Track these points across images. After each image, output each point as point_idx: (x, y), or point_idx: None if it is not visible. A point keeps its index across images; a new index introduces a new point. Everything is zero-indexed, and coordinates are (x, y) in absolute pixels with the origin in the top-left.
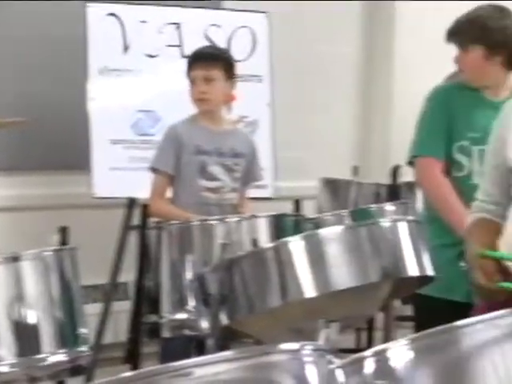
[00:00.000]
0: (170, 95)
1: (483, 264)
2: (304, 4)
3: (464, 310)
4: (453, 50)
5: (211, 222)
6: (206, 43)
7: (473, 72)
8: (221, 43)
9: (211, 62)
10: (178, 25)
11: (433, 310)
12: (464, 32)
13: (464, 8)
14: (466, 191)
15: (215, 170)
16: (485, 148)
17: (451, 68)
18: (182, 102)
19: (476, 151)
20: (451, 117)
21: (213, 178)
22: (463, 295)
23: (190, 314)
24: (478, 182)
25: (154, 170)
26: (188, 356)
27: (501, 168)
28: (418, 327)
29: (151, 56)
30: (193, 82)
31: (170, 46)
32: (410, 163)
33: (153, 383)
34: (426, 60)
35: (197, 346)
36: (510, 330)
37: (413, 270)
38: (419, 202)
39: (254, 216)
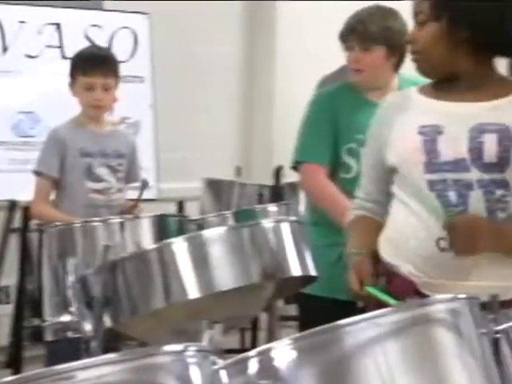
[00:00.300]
0: (51, 96)
1: (358, 265)
2: (185, 4)
3: (348, 308)
4: (333, 49)
5: (93, 223)
6: (87, 44)
7: (373, 72)
8: (102, 44)
9: (109, 69)
10: (57, 25)
11: (317, 308)
12: (366, 32)
13: (345, 8)
14: (354, 192)
15: (101, 171)
16: None
17: (331, 68)
18: (62, 103)
19: (363, 153)
20: (336, 120)
21: (99, 180)
22: (346, 294)
23: (72, 316)
24: None
25: (37, 173)
26: (77, 359)
27: (379, 167)
28: (302, 326)
29: (31, 57)
30: (89, 88)
31: (49, 46)
32: (294, 168)
33: None
34: (307, 60)
35: (86, 348)
36: (391, 328)
37: (295, 270)
38: (302, 203)
39: (137, 217)
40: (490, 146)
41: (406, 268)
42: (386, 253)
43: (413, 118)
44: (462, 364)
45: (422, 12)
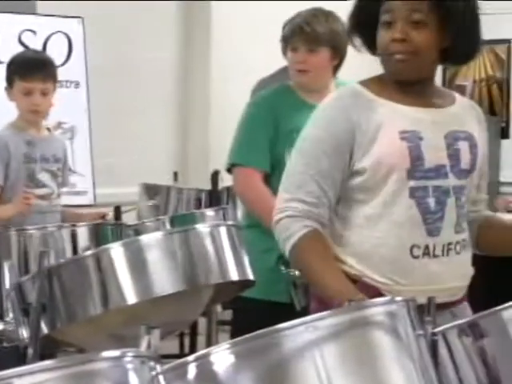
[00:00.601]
0: None
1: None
2: (120, 7)
3: (285, 311)
4: (269, 52)
5: (29, 230)
6: (21, 48)
7: (318, 73)
8: (36, 48)
9: (48, 74)
10: None
11: (253, 311)
12: (313, 33)
13: (281, 11)
14: None
15: (43, 176)
16: None
17: (267, 71)
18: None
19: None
20: (276, 122)
21: (42, 185)
22: (284, 296)
23: (8, 324)
24: None
25: None
26: (14, 366)
27: (344, 170)
28: (238, 330)
29: None
30: (28, 93)
31: None
32: (229, 170)
33: None
34: (243, 63)
35: (22, 355)
36: (329, 332)
37: (233, 275)
38: (239, 208)
39: (74, 224)
40: (465, 154)
41: (371, 276)
42: (348, 263)
43: (390, 121)
44: (400, 366)
45: (419, 11)
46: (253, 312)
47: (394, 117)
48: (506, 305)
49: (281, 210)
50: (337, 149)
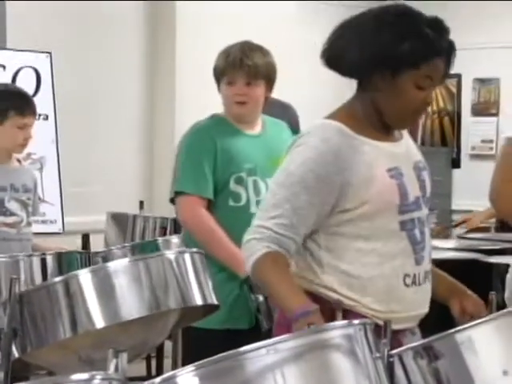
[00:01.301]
0: None
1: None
2: (85, 41)
3: (246, 335)
4: None
5: (0, 258)
6: None
7: (255, 105)
8: (6, 82)
9: (36, 109)
10: None
11: (212, 340)
12: (254, 66)
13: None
14: (244, 219)
15: (12, 205)
16: (257, 179)
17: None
18: None
19: (251, 182)
20: (216, 151)
21: (10, 214)
22: (247, 323)
23: None
24: (254, 212)
25: None
26: None
27: (324, 209)
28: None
29: None
30: (22, 127)
31: None
32: (172, 200)
33: None
34: (207, 94)
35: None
36: (290, 354)
37: (198, 300)
38: None
39: (44, 253)
40: (428, 183)
41: (366, 305)
42: (339, 292)
43: (378, 160)
44: None
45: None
46: (211, 342)
47: (378, 155)
48: (459, 328)
49: (250, 232)
50: (319, 189)
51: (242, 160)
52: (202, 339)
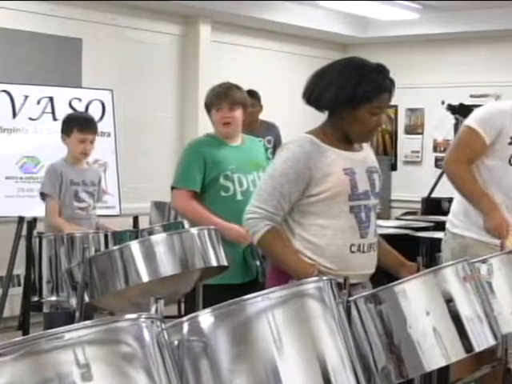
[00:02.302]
0: (46, 145)
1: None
2: (138, 81)
3: (248, 288)
4: None
5: (76, 234)
6: (71, 111)
7: (236, 125)
8: (81, 110)
9: (96, 129)
10: (51, 98)
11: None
12: (235, 97)
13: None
14: (233, 205)
15: (83, 195)
16: (240, 175)
17: None
18: (53, 149)
19: (236, 177)
20: (206, 159)
21: (82, 201)
22: (241, 278)
23: (61, 296)
24: (240, 199)
25: (44, 195)
26: (66, 324)
27: (298, 195)
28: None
29: (32, 119)
30: (83, 141)
31: (45, 112)
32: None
33: (36, 344)
34: None
35: (71, 317)
36: (278, 301)
37: (214, 262)
38: None
39: (106, 231)
40: (377, 182)
41: (323, 264)
42: (304, 254)
43: (336, 162)
44: (326, 323)
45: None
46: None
47: (338, 159)
48: (396, 282)
49: (249, 212)
50: (297, 180)
51: (227, 163)
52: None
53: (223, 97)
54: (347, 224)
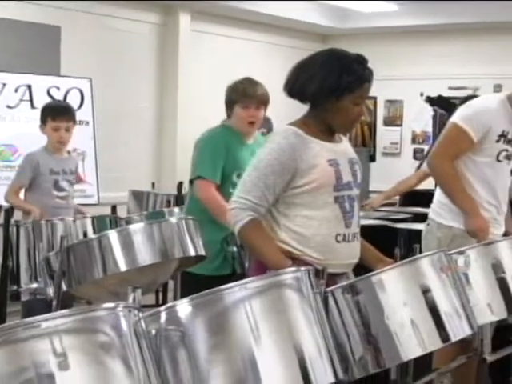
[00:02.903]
0: (24, 134)
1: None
2: (116, 70)
3: (226, 279)
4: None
5: (54, 220)
6: (49, 99)
7: (259, 124)
8: (60, 99)
9: (71, 116)
10: (29, 86)
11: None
12: (263, 96)
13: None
14: None
15: (64, 184)
16: None
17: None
18: (31, 138)
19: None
20: (227, 153)
21: (62, 190)
22: (228, 270)
23: (40, 283)
24: None
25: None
26: (43, 313)
27: (283, 186)
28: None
29: (10, 107)
30: (56, 129)
31: (22, 100)
32: (191, 181)
33: (13, 333)
34: (205, 104)
35: (49, 305)
36: (255, 291)
37: (192, 251)
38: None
39: (84, 217)
40: (359, 173)
41: (309, 254)
42: (290, 245)
43: (321, 154)
44: (303, 313)
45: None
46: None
47: (322, 150)
48: (374, 272)
49: (233, 202)
50: (282, 171)
51: (244, 163)
52: (193, 281)
53: (252, 96)
54: (332, 214)
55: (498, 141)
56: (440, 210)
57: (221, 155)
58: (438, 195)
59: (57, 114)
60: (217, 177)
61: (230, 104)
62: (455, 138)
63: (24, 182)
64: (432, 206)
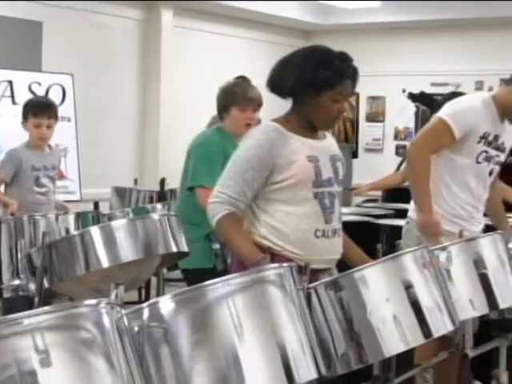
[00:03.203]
0: (5, 129)
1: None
2: (98, 66)
3: (212, 273)
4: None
5: (36, 217)
6: (31, 95)
7: (254, 125)
8: (42, 95)
9: (53, 113)
10: (10, 82)
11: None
12: (260, 98)
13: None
14: None
15: (44, 180)
16: None
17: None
18: (12, 134)
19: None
20: (224, 158)
21: (43, 186)
22: (211, 263)
23: (22, 280)
24: None
25: None
26: (25, 310)
27: (262, 182)
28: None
29: None
30: (37, 126)
31: (4, 96)
32: (190, 188)
33: None
34: (189, 106)
35: (31, 302)
36: (239, 287)
37: (174, 248)
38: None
39: (67, 213)
40: (341, 170)
41: (289, 250)
42: (270, 240)
43: (301, 150)
44: (286, 309)
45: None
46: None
47: (302, 146)
48: (356, 268)
49: (213, 196)
50: (260, 167)
51: None
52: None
53: (251, 99)
54: (312, 210)
55: (478, 142)
56: None
57: (219, 161)
58: None
59: (38, 110)
60: (216, 183)
61: (225, 106)
62: (438, 132)
63: (4, 178)
64: (411, 204)
